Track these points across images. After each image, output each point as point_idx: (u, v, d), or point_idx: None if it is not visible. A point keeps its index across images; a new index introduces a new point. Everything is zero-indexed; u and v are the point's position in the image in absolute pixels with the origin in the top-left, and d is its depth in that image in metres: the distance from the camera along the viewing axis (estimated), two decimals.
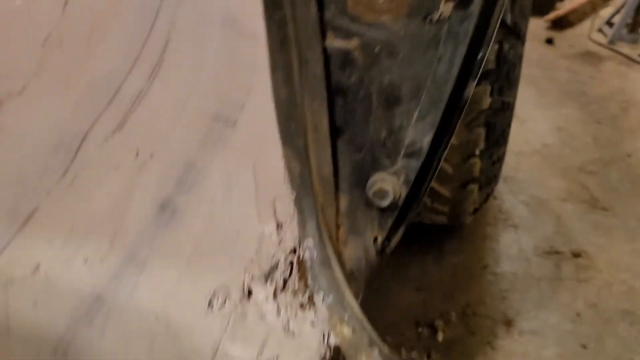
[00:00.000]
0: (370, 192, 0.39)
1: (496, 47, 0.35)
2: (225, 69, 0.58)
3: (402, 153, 0.38)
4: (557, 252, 1.18)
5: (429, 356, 0.93)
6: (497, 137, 0.88)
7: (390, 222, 0.40)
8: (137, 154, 0.51)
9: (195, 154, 0.51)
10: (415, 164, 0.38)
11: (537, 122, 1.63)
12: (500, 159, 0.98)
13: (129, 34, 0.62)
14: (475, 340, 0.96)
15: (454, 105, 0.35)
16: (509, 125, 0.95)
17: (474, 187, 0.92)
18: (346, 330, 0.35)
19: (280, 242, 0.42)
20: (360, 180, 0.40)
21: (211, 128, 0.53)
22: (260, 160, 0.50)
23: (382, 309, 0.92)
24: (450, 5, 0.32)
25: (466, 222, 1.05)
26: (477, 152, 0.84)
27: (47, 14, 0.65)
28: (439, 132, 0.36)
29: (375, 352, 0.34)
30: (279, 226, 0.44)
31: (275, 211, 0.45)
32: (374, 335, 0.35)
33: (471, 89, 0.35)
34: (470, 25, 0.32)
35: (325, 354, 0.36)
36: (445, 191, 0.88)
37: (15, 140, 0.53)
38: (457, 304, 1.02)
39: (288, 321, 0.37)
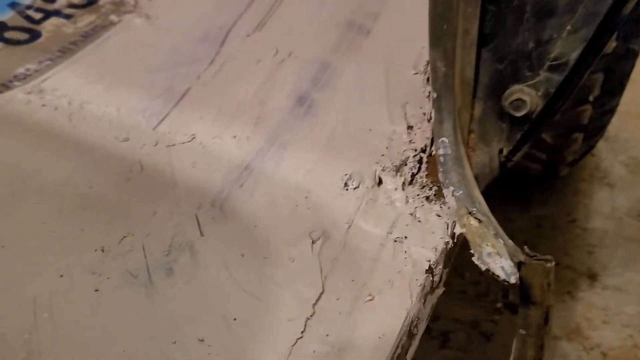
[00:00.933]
0: (506, 102, 0.41)
1: None
2: None
3: (545, 66, 0.39)
4: None
5: (505, 295, 0.95)
6: (615, 86, 0.86)
7: (518, 135, 0.42)
8: (276, 52, 0.54)
9: (329, 55, 0.54)
10: (558, 77, 0.39)
11: None
12: (612, 110, 0.95)
13: None
14: (555, 288, 0.97)
15: (610, 22, 0.36)
16: (628, 75, 0.91)
17: (579, 135, 0.91)
18: (473, 221, 0.37)
19: (410, 141, 0.45)
20: (498, 90, 0.41)
21: (345, 34, 0.56)
22: (391, 67, 0.53)
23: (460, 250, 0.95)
24: None
25: (562, 174, 1.04)
26: (591, 98, 0.83)
27: None
28: (588, 48, 0.37)
29: (500, 243, 0.36)
30: (409, 127, 0.47)
31: (405, 114, 0.48)
32: (500, 229, 0.37)
33: (630, 5, 0.36)
34: None
35: (449, 241, 0.39)
36: (547, 137, 0.87)
37: (168, 30, 0.57)
38: (542, 251, 1.02)
39: (415, 209, 0.40)
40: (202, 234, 0.37)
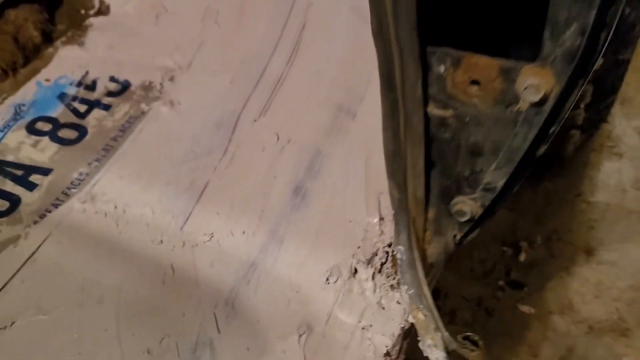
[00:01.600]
0: (453, 209, 0.52)
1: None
2: (351, 56, 0.69)
3: (480, 187, 0.50)
4: None
5: (508, 274, 1.07)
6: (607, 90, 0.92)
7: (467, 228, 0.54)
8: (278, 138, 0.65)
9: (322, 141, 0.65)
10: (491, 195, 0.50)
11: None
12: (608, 106, 1.02)
13: (272, 12, 0.74)
14: (554, 264, 1.08)
15: (527, 162, 0.46)
16: (621, 79, 0.96)
17: (576, 132, 0.99)
18: (420, 315, 0.50)
19: (381, 233, 0.56)
20: (446, 198, 0.52)
21: (336, 117, 0.66)
22: (372, 153, 0.63)
23: None
24: (527, 104, 0.42)
25: (568, 154, 1.12)
26: (582, 105, 0.90)
27: None
28: (511, 178, 0.48)
29: (438, 335, 0.49)
30: (381, 219, 0.58)
31: (379, 205, 0.59)
32: (440, 322, 0.50)
33: (542, 150, 0.46)
34: (543, 116, 0.42)
35: (405, 326, 0.52)
36: None
37: (189, 116, 0.69)
38: (545, 228, 1.12)
39: (381, 298, 0.53)
40: (219, 331, 0.51)
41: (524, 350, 1.00)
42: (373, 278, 0.54)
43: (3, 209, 0.60)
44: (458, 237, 0.55)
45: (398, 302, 0.53)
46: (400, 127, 0.47)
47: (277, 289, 0.54)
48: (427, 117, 0.47)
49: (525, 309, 1.04)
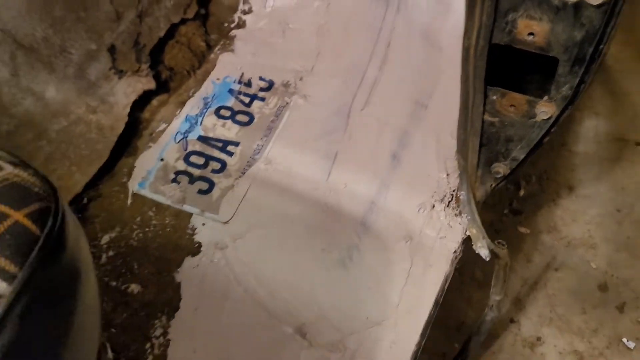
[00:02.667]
0: (492, 170, 0.92)
1: None
2: (422, 67, 1.06)
3: (509, 158, 0.89)
4: (623, 139, 1.56)
5: (510, 204, 1.45)
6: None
7: (499, 181, 0.93)
8: (378, 121, 1.03)
9: (406, 124, 1.02)
10: (515, 163, 0.88)
11: None
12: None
13: (366, 32, 1.10)
14: (545, 196, 1.45)
15: (537, 146, 0.85)
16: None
17: None
18: (473, 230, 0.90)
19: (448, 183, 0.95)
20: (489, 164, 0.91)
21: (414, 108, 1.04)
22: (440, 133, 1.01)
23: None
24: (541, 118, 0.81)
25: None
26: None
27: (317, 8, 1.13)
28: (528, 154, 0.87)
29: (484, 241, 0.89)
30: (447, 174, 0.97)
31: (446, 166, 0.98)
32: (485, 234, 0.90)
33: (546, 140, 0.85)
34: (548, 124, 0.81)
35: (464, 237, 0.92)
36: None
37: (317, 105, 1.05)
38: (538, 169, 1.46)
39: (450, 221, 0.93)
40: (359, 240, 0.91)
41: (521, 257, 1.39)
42: (444, 210, 0.94)
43: (217, 168, 0.98)
44: (493, 185, 0.95)
45: (459, 224, 0.92)
46: (468, 126, 0.86)
47: (389, 216, 0.93)
48: (483, 121, 0.86)
49: (522, 229, 1.42)
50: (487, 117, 0.84)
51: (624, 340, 1.28)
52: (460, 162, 0.88)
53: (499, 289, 0.98)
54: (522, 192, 1.47)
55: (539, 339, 1.30)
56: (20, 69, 0.83)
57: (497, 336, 1.30)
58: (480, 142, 0.87)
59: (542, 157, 1.51)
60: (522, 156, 0.86)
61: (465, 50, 0.74)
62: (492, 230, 1.44)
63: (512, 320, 1.33)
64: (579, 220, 1.45)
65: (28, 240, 0.33)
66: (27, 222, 0.33)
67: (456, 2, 1.04)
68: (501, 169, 0.89)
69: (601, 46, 0.70)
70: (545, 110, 0.78)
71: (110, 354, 0.62)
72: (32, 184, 0.36)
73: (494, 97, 0.81)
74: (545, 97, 0.78)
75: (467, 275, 1.31)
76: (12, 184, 0.35)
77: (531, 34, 0.70)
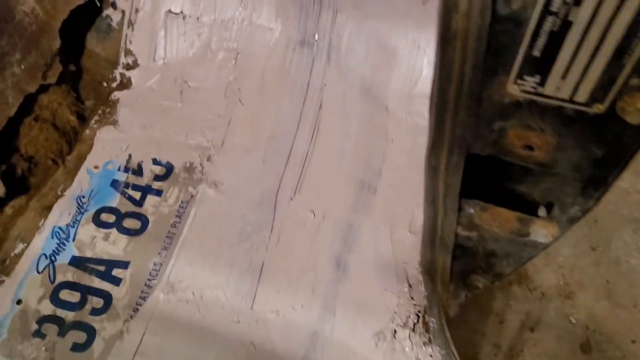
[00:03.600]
0: (468, 282, 0.69)
1: None
2: (365, 135, 0.82)
3: (492, 273, 0.67)
4: None
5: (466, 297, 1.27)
6: None
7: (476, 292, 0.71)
8: (314, 215, 0.78)
9: (351, 215, 0.78)
10: (499, 278, 0.67)
11: None
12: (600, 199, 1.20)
13: (290, 92, 0.84)
14: None
15: (526, 261, 0.63)
16: None
17: None
18: None
19: (411, 299, 0.73)
20: (464, 277, 0.69)
21: (359, 192, 0.80)
22: (394, 224, 0.78)
23: None
24: (536, 240, 0.58)
25: None
26: None
27: (223, 60, 0.87)
28: (514, 268, 0.65)
29: None
30: (410, 286, 0.74)
31: (407, 274, 0.75)
32: None
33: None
34: (545, 245, 0.59)
35: None
36: None
37: (232, 196, 0.80)
38: None
39: (417, 353, 0.70)
40: None
41: (492, 319, 1.23)
42: (409, 337, 0.71)
43: (99, 306, 0.71)
44: (469, 296, 0.72)
45: (431, 356, 0.70)
46: (436, 246, 0.63)
47: (338, 353, 0.70)
48: (456, 235, 0.63)
49: None
50: (461, 231, 0.61)
51: None
52: (428, 284, 0.65)
53: None
54: None
55: None
56: None
57: None
58: (453, 255, 0.65)
59: None
60: (509, 271, 0.65)
61: (432, 169, 0.51)
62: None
63: None
64: (552, 264, 1.31)
65: None
66: None
67: (401, 47, 0.79)
68: (480, 282, 0.68)
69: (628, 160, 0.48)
70: (545, 232, 0.56)
71: None
72: None
73: (472, 211, 0.58)
74: (543, 215, 0.55)
75: None
76: None
77: (528, 146, 0.47)
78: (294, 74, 0.83)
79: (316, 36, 0.82)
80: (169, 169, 0.81)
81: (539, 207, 0.56)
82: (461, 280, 0.69)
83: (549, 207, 0.55)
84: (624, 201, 1.36)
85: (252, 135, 0.83)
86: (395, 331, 0.71)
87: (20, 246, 0.74)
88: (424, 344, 0.70)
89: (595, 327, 1.22)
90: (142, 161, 0.82)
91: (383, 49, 0.79)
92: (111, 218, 0.77)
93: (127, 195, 0.79)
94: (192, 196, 0.79)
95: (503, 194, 0.57)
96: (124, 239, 0.76)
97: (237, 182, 0.80)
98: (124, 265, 0.74)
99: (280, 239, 0.76)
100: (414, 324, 0.72)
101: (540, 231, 0.56)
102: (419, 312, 0.72)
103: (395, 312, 0.72)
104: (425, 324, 0.71)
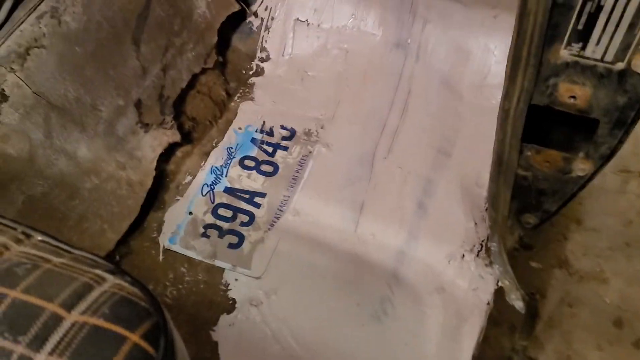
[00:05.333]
0: (522, 220, 0.93)
1: None
2: (443, 115, 1.08)
3: (541, 210, 0.90)
4: (628, 171, 1.60)
5: (521, 238, 1.47)
6: None
7: (528, 231, 0.95)
8: (401, 169, 1.04)
9: (430, 172, 1.03)
10: (546, 215, 0.90)
11: None
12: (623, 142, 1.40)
13: (386, 79, 1.11)
14: (554, 230, 1.47)
15: (571, 199, 0.87)
16: None
17: None
18: (506, 282, 0.91)
19: (476, 232, 0.97)
20: (519, 214, 0.93)
21: (437, 156, 1.05)
22: (465, 182, 1.02)
23: None
24: (576, 175, 0.82)
25: None
26: None
27: (335, 56, 1.15)
28: (560, 206, 0.88)
29: (518, 293, 0.90)
30: (475, 223, 0.98)
31: (473, 215, 0.99)
32: (518, 286, 0.91)
33: (578, 193, 0.86)
34: (584, 179, 0.82)
35: (496, 288, 0.93)
36: None
37: (339, 152, 1.06)
38: None
39: (480, 272, 0.94)
40: (392, 292, 0.91)
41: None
42: (474, 260, 0.95)
43: (246, 220, 0.98)
44: (522, 234, 0.96)
45: (490, 274, 0.94)
46: (501, 180, 0.87)
47: (420, 267, 0.94)
48: (516, 175, 0.87)
49: (534, 264, 1.44)
50: (520, 171, 0.85)
51: None
52: (492, 214, 0.90)
53: (526, 335, 0.99)
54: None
55: None
56: (53, 130, 0.82)
57: None
58: (512, 194, 0.89)
59: None
60: (554, 208, 0.88)
61: (505, 111, 0.76)
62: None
63: (530, 358, 1.34)
64: (589, 254, 1.46)
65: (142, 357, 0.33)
66: (144, 344, 0.33)
67: (475, 50, 1.06)
68: (531, 219, 0.91)
69: None
70: (582, 167, 0.80)
71: None
72: (138, 298, 0.36)
73: (529, 153, 0.82)
74: (581, 154, 0.79)
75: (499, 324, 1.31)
76: (121, 299, 0.35)
77: (572, 97, 0.72)
78: (389, 68, 1.11)
79: (409, 40, 1.09)
80: (293, 132, 1.08)
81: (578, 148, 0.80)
82: (516, 217, 0.92)
83: (582, 147, 0.79)
84: None
85: (355, 112, 1.10)
86: (463, 255, 0.95)
87: (189, 177, 1.02)
88: (485, 265, 0.94)
89: (627, 308, 1.37)
90: (273, 126, 1.09)
91: (460, 51, 1.06)
92: (252, 163, 1.05)
93: (262, 149, 1.07)
94: (310, 152, 1.06)
95: (551, 138, 0.81)
96: (261, 178, 1.03)
97: (343, 144, 1.07)
98: (262, 195, 1.01)
99: (376, 187, 1.02)
100: (478, 251, 0.96)
101: (579, 167, 0.80)
102: (483, 241, 0.96)
103: (464, 241, 0.96)
104: (488, 249, 0.95)
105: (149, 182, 0.94)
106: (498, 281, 0.91)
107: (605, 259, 1.45)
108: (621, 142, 0.76)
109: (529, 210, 0.90)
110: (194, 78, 1.09)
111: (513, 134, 0.77)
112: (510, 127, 0.76)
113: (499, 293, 0.93)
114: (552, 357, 1.35)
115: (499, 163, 0.83)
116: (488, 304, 0.89)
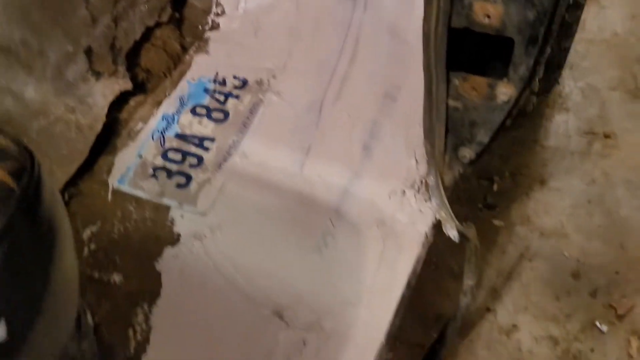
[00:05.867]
0: (459, 155, 0.95)
1: None
2: (390, 62, 1.11)
3: (475, 142, 0.93)
4: (592, 133, 1.59)
5: (485, 199, 1.49)
6: (554, 67, 1.32)
7: (466, 167, 0.97)
8: (349, 116, 1.07)
9: (377, 116, 1.06)
10: (480, 147, 0.92)
11: (615, 8, 1.79)
12: (556, 77, 1.42)
13: (336, 29, 1.14)
14: (518, 190, 1.48)
15: (499, 129, 0.89)
16: (565, 59, 1.32)
17: (533, 97, 1.39)
18: (442, 214, 0.94)
19: (417, 170, 0.99)
20: (456, 149, 0.95)
21: (384, 100, 1.08)
22: (410, 123, 1.05)
23: None
24: (501, 100, 0.85)
25: (529, 111, 1.51)
26: (537, 79, 1.30)
27: (287, 10, 1.18)
28: (491, 137, 0.91)
29: (452, 223, 0.93)
30: (417, 162, 1.01)
31: (415, 154, 1.01)
32: (453, 216, 0.93)
33: (508, 122, 0.89)
34: (509, 105, 0.85)
35: (434, 221, 0.95)
36: None
37: (289, 100, 1.09)
38: (511, 165, 1.50)
39: (420, 207, 0.96)
40: (334, 226, 0.94)
41: (496, 249, 1.42)
42: (414, 196, 0.98)
43: (194, 163, 1.01)
44: (461, 171, 0.99)
45: (429, 209, 0.96)
46: (433, 112, 0.89)
47: (362, 204, 0.97)
48: (447, 106, 0.90)
49: (497, 222, 1.46)
50: (451, 102, 0.88)
51: (597, 324, 1.31)
52: (428, 148, 0.92)
53: (471, 273, 1.01)
54: (495, 187, 1.51)
55: (514, 326, 1.33)
56: None
57: (474, 325, 1.32)
58: (446, 128, 0.91)
59: (514, 153, 1.54)
60: (487, 140, 0.90)
61: (426, 36, 0.79)
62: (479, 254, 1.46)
63: (488, 309, 1.36)
64: (551, 212, 1.48)
65: (4, 193, 0.36)
66: (7, 178, 0.35)
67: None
68: (467, 153, 0.93)
69: (553, 26, 0.75)
70: (505, 91, 0.82)
71: (90, 319, 0.65)
72: (7, 147, 0.39)
73: (456, 82, 0.85)
74: (504, 79, 0.82)
75: (444, 269, 1.34)
76: None
77: (487, 16, 0.74)
78: (338, 18, 1.13)
79: None
80: (245, 82, 1.11)
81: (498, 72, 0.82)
82: (453, 151, 0.95)
83: (506, 70, 0.81)
84: (619, 167, 1.54)
85: (306, 61, 1.13)
86: (404, 191, 0.98)
87: (141, 124, 1.05)
88: (425, 200, 0.97)
89: (585, 261, 1.39)
90: (226, 76, 1.12)
91: (404, 0, 1.09)
92: (203, 111, 1.08)
93: (214, 97, 1.10)
94: (261, 100, 1.09)
95: (478, 67, 0.84)
96: (211, 124, 1.06)
97: (294, 92, 1.10)
98: (212, 140, 1.04)
99: (324, 131, 1.05)
100: (419, 188, 0.99)
101: (502, 91, 0.83)
102: (423, 179, 0.99)
103: (405, 179, 0.99)
104: (427, 186, 0.98)
105: (98, 127, 0.97)
106: (436, 214, 0.94)
107: (567, 216, 1.47)
108: (538, 62, 0.78)
109: (463, 144, 0.92)
110: (149, 31, 1.13)
111: (437, 59, 0.80)
112: (432, 51, 0.79)
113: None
114: (510, 308, 1.37)
115: (429, 93, 0.86)
116: (426, 235, 0.92)
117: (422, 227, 0.93)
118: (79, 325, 0.47)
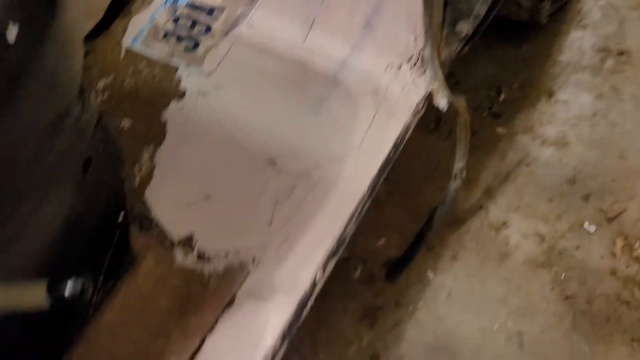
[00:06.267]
0: (456, 30, 0.99)
1: None
2: None
3: (472, 15, 0.97)
4: (607, 50, 1.59)
5: (490, 108, 1.52)
6: None
7: (463, 43, 1.01)
8: None
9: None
10: (477, 21, 0.96)
11: None
12: None
13: None
14: (525, 101, 1.48)
15: (497, 3, 0.93)
16: None
17: (547, 2, 1.40)
18: (435, 84, 0.98)
19: (415, 45, 1.03)
20: (453, 23, 0.99)
21: None
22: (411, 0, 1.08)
23: (466, 75, 1.50)
24: None
25: (542, 22, 1.51)
26: None
27: None
28: (487, 11, 0.94)
29: (444, 92, 0.97)
30: (415, 38, 1.04)
31: (414, 29, 1.05)
32: (445, 87, 0.97)
33: None
34: None
35: (427, 91, 1.00)
36: None
37: None
38: (520, 78, 1.50)
39: (414, 78, 1.01)
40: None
41: (496, 155, 1.45)
42: (410, 69, 1.02)
43: (203, 29, 1.07)
44: (458, 48, 1.02)
45: (423, 81, 1.01)
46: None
47: (359, 74, 1.01)
48: None
49: (500, 130, 1.49)
50: None
51: (586, 225, 1.34)
52: (426, 20, 0.96)
53: (461, 153, 1.06)
54: (502, 97, 1.52)
55: (504, 223, 1.37)
56: None
57: (465, 220, 1.37)
58: (445, 1, 0.95)
59: (526, 66, 1.55)
60: (483, 12, 0.94)
61: None
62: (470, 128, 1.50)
63: (480, 207, 1.40)
64: (555, 123, 1.50)
65: None
66: None
67: None
68: (464, 27, 0.97)
69: None
70: None
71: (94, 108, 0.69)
72: None
73: None
74: None
75: (441, 169, 1.37)
76: None
77: None
78: None
79: None
80: None
81: None
82: (451, 26, 0.99)
83: None
84: (629, 83, 1.54)
85: None
86: (400, 65, 1.02)
87: None
88: (420, 74, 1.01)
89: (583, 168, 1.42)
90: None
91: None
92: None
93: None
94: None
95: None
96: None
97: None
98: (221, 9, 1.09)
99: (329, 6, 1.08)
100: (415, 62, 1.03)
101: None
102: (420, 55, 1.03)
103: (403, 54, 1.03)
104: (424, 61, 1.02)
105: None
106: (429, 86, 0.98)
107: (570, 126, 1.50)
108: None
109: (461, 18, 0.95)
110: None
111: None
112: None
113: None
114: (502, 207, 1.41)
115: None
116: (417, 104, 0.96)
117: (415, 98, 0.98)
118: (83, 98, 0.53)
